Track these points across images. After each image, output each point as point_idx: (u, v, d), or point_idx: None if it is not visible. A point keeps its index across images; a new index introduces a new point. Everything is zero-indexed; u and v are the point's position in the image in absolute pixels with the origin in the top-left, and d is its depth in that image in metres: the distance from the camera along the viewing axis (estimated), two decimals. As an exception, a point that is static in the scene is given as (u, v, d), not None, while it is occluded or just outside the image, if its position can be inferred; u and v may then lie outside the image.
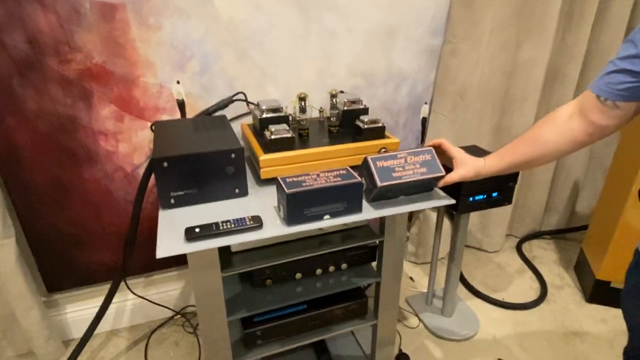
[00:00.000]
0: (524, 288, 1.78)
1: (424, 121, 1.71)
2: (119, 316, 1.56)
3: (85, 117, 1.23)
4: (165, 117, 1.32)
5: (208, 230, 0.84)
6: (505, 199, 1.34)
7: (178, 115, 1.32)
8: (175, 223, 0.89)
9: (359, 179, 0.90)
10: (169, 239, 0.84)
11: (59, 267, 1.40)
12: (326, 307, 1.21)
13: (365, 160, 0.95)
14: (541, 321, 1.61)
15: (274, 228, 0.87)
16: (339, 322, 1.24)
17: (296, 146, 1.06)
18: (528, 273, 1.87)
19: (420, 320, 1.60)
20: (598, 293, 1.67)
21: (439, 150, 1.01)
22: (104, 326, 1.53)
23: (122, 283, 1.35)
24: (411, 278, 1.82)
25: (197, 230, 0.84)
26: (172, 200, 0.93)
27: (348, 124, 1.18)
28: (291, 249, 1.06)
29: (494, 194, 1.32)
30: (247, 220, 0.87)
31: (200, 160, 0.92)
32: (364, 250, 1.18)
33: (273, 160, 1.02)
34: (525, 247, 2.04)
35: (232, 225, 0.85)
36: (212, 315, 1.01)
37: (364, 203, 0.94)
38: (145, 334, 1.53)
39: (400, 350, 1.47)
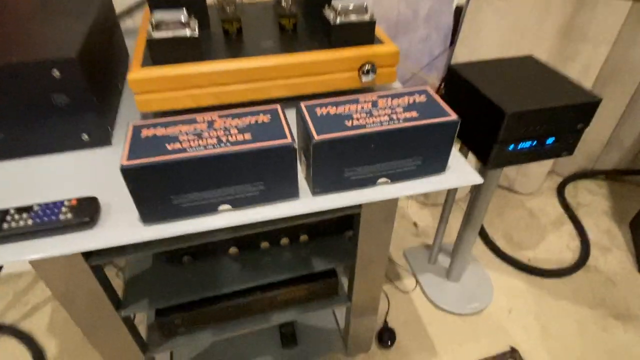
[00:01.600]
0: (559, 247, 1.35)
1: (459, 12, 1.12)
2: (50, 250, 1.25)
3: None
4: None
5: (-23, 231, 0.42)
6: (565, 147, 0.84)
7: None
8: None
9: (289, 138, 0.43)
10: None
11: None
12: (279, 288, 0.84)
13: (298, 110, 0.47)
14: (575, 295, 1.21)
15: (118, 228, 0.44)
16: (297, 305, 0.88)
17: (206, 54, 0.57)
18: (567, 226, 1.42)
19: (417, 282, 1.23)
20: (660, 264, 1.23)
21: None
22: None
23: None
24: (415, 224, 1.41)
25: (-43, 228, 0.42)
26: (-40, 152, 0.50)
27: (314, 14, 0.65)
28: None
29: (549, 140, 0.82)
30: (62, 209, 0.43)
31: (-10, 80, 0.46)
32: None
33: (154, 80, 0.54)
34: (570, 189, 1.55)
35: (30, 221, 0.42)
36: (90, 315, 0.65)
37: (306, 189, 0.48)
38: (80, 274, 1.23)
39: (385, 322, 1.13)
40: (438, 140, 0.47)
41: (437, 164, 0.49)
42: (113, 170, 0.51)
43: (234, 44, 0.61)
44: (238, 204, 0.45)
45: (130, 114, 0.61)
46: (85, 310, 0.61)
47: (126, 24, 0.89)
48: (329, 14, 0.60)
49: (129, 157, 0.39)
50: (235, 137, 0.42)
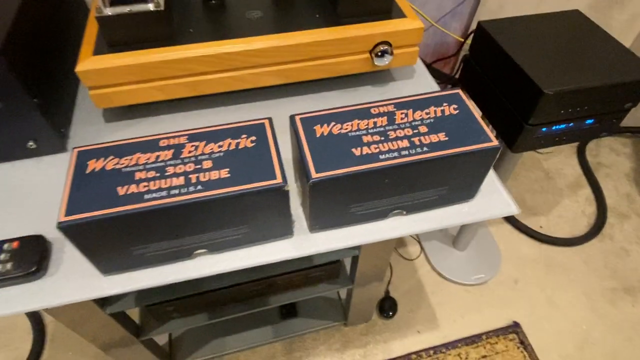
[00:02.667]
0: (574, 212, 1.27)
1: (492, -54, 0.93)
2: None
3: None
4: None
5: None
6: (605, 128, 0.73)
7: None
8: None
9: (279, 177, 0.33)
10: None
11: None
12: (278, 275, 0.78)
13: (292, 124, 0.36)
14: (586, 266, 1.16)
15: (72, 279, 0.36)
16: (297, 289, 0.83)
17: (177, 34, 0.44)
18: (585, 189, 1.33)
19: (422, 249, 1.18)
20: (679, 236, 1.16)
21: None
22: None
23: None
24: (423, 185, 1.32)
25: None
26: None
27: (317, -30, 0.51)
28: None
29: (589, 121, 0.70)
30: (1, 256, 0.35)
31: None
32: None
33: (110, 72, 0.42)
34: (591, 147, 1.43)
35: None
36: (74, 314, 0.60)
37: (303, 222, 0.39)
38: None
39: (387, 291, 1.10)
40: (471, 169, 0.36)
41: (466, 192, 0.39)
42: (68, 189, 0.42)
43: (214, 15, 0.47)
44: (217, 247, 0.36)
45: (93, 106, 0.50)
46: (67, 311, 0.56)
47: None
48: (335, -23, 0.46)
49: (68, 211, 0.30)
50: (209, 175, 0.32)
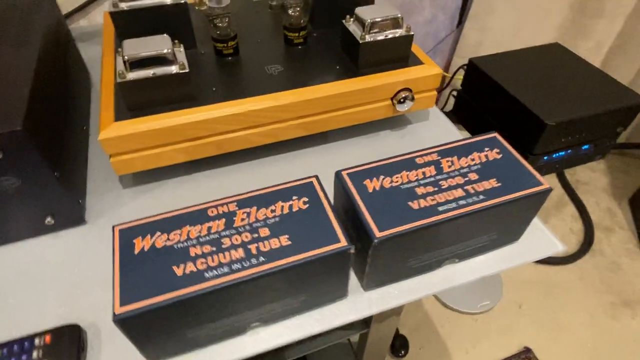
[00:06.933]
0: (563, 231, 1.31)
1: (466, -13, 0.99)
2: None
3: None
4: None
5: None
6: (599, 151, 0.76)
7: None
8: None
9: (343, 240, 0.31)
10: None
11: None
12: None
13: (338, 179, 0.35)
14: (582, 283, 1.18)
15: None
16: (307, 340, 0.80)
17: (199, 95, 0.43)
18: (569, 207, 1.38)
19: (424, 281, 1.17)
20: (663, 244, 1.21)
21: None
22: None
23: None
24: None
25: None
26: None
27: (330, 21, 0.52)
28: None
29: (585, 147, 0.73)
30: (33, 354, 0.31)
31: None
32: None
33: (134, 138, 0.40)
34: (568, 166, 1.50)
35: (-14, 383, 0.30)
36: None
37: (354, 280, 0.37)
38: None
39: (396, 330, 1.07)
40: (522, 212, 0.36)
41: (514, 235, 0.39)
42: (94, 266, 0.38)
43: (234, 71, 0.47)
44: (271, 319, 0.34)
45: (106, 166, 0.47)
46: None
47: (80, 25, 0.72)
48: (354, 29, 0.46)
49: (123, 300, 0.27)
50: (269, 244, 0.30)
